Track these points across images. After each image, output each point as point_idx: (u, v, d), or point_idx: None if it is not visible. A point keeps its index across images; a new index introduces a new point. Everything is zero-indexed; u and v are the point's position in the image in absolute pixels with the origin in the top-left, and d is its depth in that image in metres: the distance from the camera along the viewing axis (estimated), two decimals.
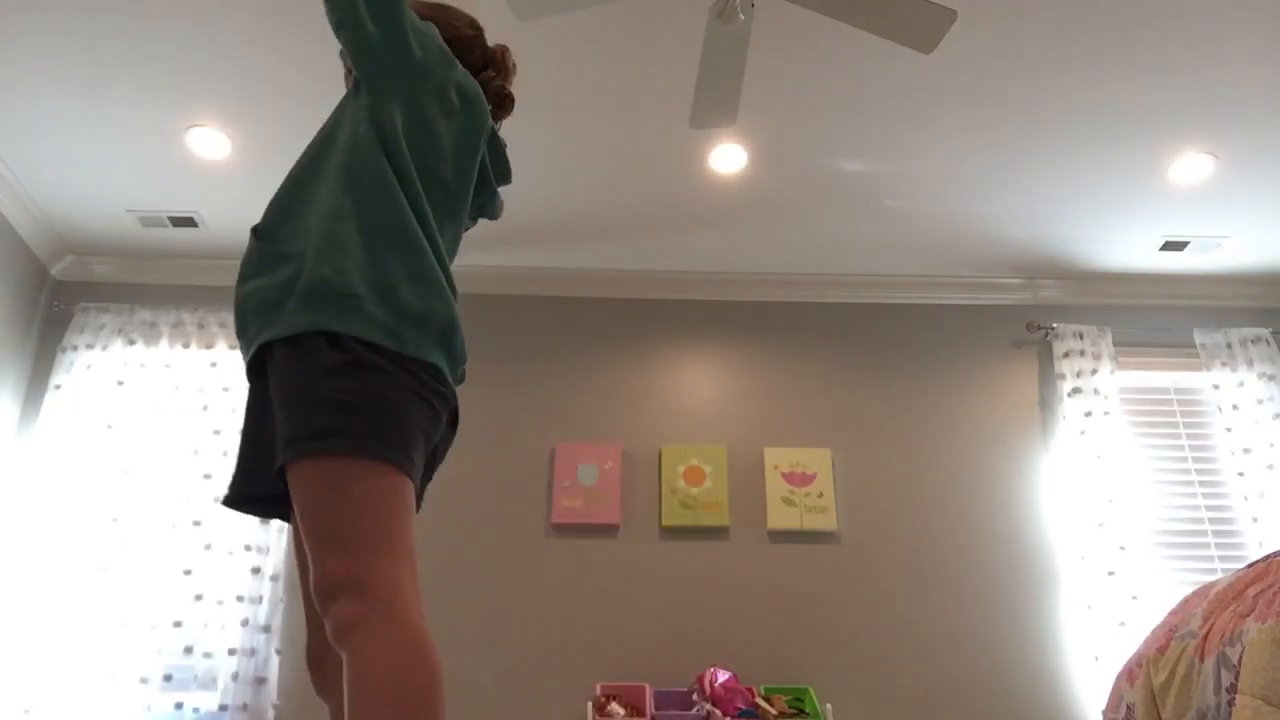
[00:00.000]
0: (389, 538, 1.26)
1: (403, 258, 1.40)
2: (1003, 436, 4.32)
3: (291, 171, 1.51)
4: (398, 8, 1.50)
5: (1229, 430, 4.21)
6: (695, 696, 3.61)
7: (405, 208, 1.43)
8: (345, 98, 1.57)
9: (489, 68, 1.76)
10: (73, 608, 3.69)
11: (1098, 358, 4.33)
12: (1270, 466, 4.09)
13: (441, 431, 1.43)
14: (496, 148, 1.73)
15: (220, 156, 3.78)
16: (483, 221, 1.83)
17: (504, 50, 1.80)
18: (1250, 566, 2.33)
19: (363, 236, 1.39)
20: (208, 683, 3.71)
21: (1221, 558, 4.09)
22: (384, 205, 1.42)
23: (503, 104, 1.78)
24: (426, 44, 1.55)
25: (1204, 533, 4.15)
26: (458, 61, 1.62)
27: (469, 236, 4.46)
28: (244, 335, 1.43)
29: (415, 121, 1.51)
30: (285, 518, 1.49)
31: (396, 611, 1.21)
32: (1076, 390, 4.26)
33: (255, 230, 1.47)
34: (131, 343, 4.20)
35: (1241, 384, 4.28)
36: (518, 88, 3.61)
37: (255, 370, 1.43)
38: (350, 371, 1.30)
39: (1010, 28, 3.18)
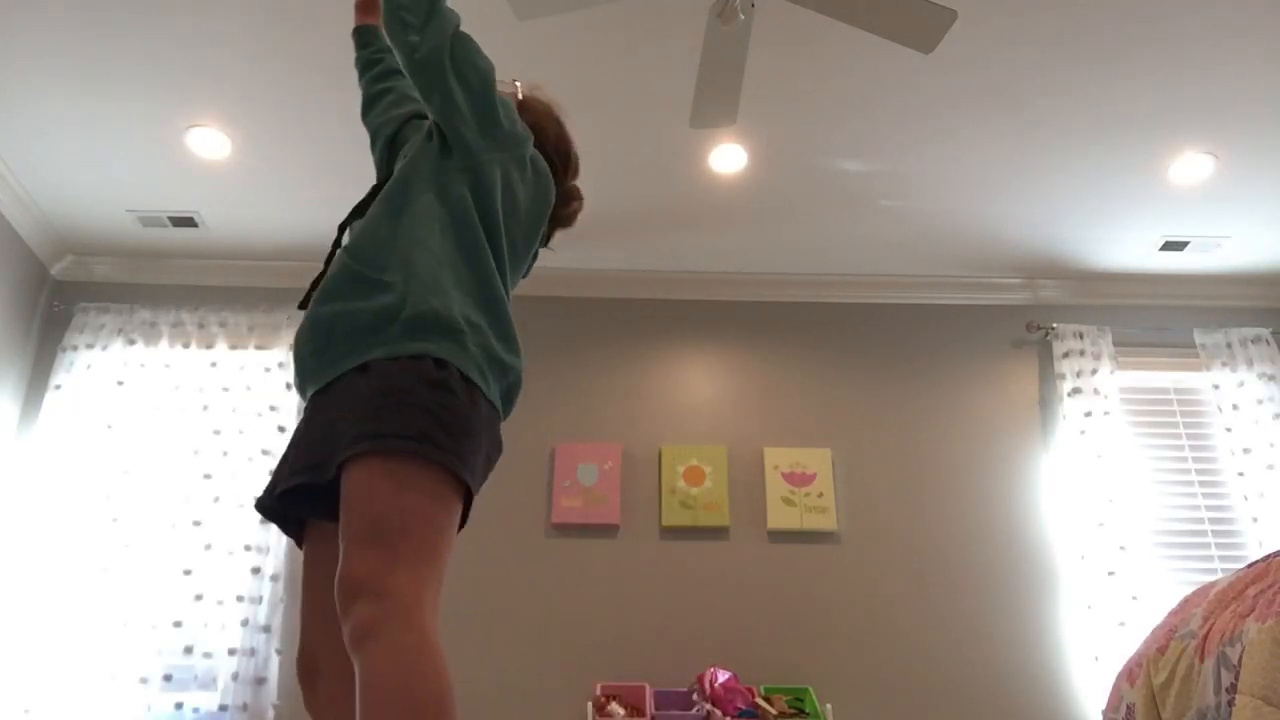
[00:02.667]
0: (431, 551, 1.29)
1: (492, 313, 1.50)
2: (1003, 436, 4.32)
3: (380, 204, 1.57)
4: (489, 80, 1.63)
5: (1229, 430, 4.21)
6: (695, 696, 3.61)
7: (493, 268, 1.54)
8: (430, 149, 1.63)
9: (563, 161, 1.87)
10: (73, 608, 3.69)
11: (1098, 358, 4.33)
12: (1270, 466, 4.09)
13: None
14: (550, 220, 1.83)
15: (220, 156, 3.78)
16: None
17: (571, 146, 1.91)
18: (1250, 566, 2.33)
19: (459, 286, 1.48)
20: (208, 683, 3.71)
21: (1221, 558, 4.09)
22: (478, 262, 1.52)
23: (568, 197, 1.88)
24: (511, 115, 1.67)
25: (1204, 533, 4.14)
26: (533, 136, 1.74)
27: None
28: (326, 352, 1.44)
29: (503, 187, 1.61)
30: (300, 541, 1.53)
31: (413, 620, 1.21)
32: (1076, 390, 4.26)
33: (349, 252, 1.51)
34: (131, 343, 4.20)
35: (1241, 384, 4.28)
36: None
37: (325, 386, 1.45)
38: (451, 393, 1.37)
39: (1010, 28, 3.18)
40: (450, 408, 1.35)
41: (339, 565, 1.26)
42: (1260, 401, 4.22)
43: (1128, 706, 2.45)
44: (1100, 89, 3.43)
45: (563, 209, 1.84)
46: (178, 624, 3.74)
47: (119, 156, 3.79)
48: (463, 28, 1.71)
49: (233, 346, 4.23)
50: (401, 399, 1.33)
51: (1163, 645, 2.38)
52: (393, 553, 1.24)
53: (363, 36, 2.11)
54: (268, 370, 4.15)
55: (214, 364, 4.19)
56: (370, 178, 1.92)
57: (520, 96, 1.87)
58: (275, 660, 3.74)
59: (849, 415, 4.34)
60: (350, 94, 3.46)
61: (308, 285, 1.59)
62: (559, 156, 1.84)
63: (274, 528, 3.87)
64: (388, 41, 1.69)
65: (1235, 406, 4.24)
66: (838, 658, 3.90)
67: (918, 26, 2.65)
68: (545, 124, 1.84)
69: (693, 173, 3.89)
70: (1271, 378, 4.28)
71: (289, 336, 4.22)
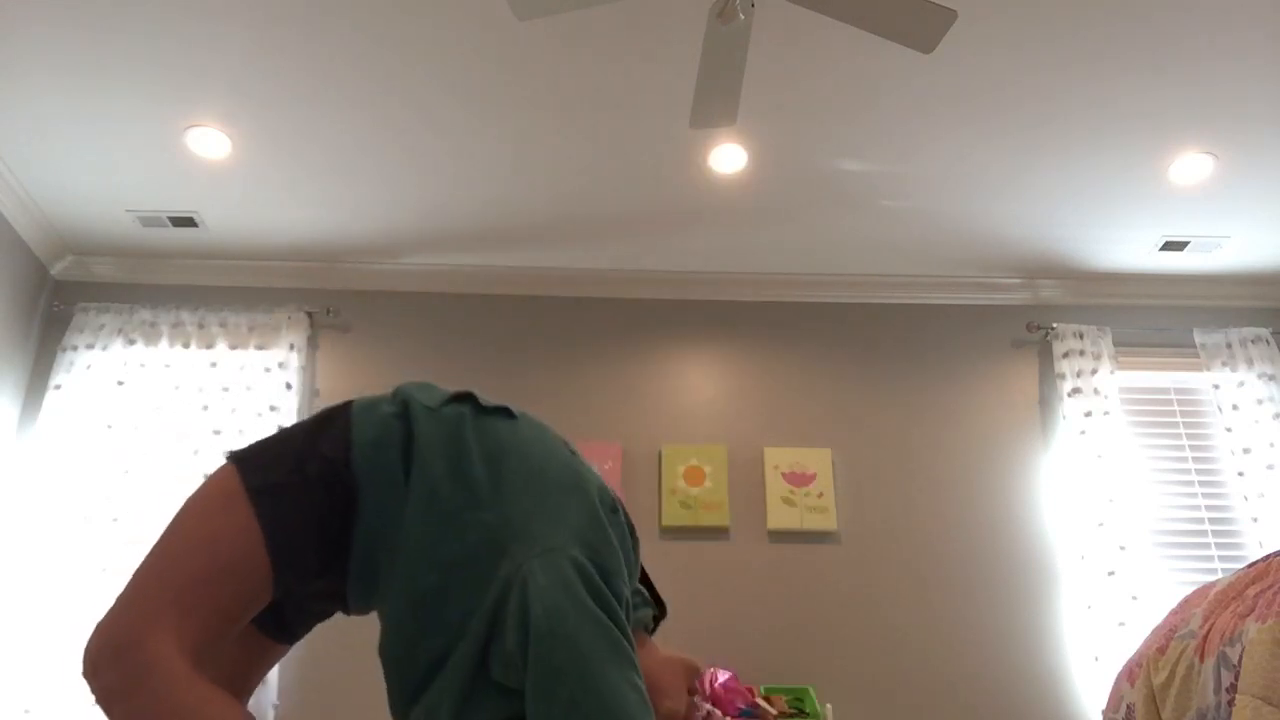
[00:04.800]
0: None
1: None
2: (1003, 436, 4.32)
3: None
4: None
5: (1229, 430, 4.21)
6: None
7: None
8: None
9: None
10: (73, 608, 3.69)
11: (1098, 358, 4.33)
12: (1270, 466, 4.09)
13: None
14: None
15: (220, 156, 3.78)
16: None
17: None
18: (1250, 566, 2.33)
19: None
20: None
21: (1221, 558, 4.09)
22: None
23: None
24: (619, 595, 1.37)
25: (1204, 533, 4.15)
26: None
27: (467, 236, 4.48)
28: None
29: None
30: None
31: None
32: (1076, 390, 4.26)
33: None
34: (131, 343, 4.20)
35: (1241, 384, 4.28)
36: (519, 87, 3.62)
37: None
38: None
39: (1010, 28, 3.18)
40: None
41: None
42: (1260, 401, 4.23)
43: (1128, 706, 2.45)
44: (1100, 89, 3.43)
45: None
46: None
47: (119, 156, 3.79)
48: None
49: (233, 346, 4.23)
50: None
51: (1163, 645, 2.38)
52: None
53: None
54: (268, 370, 4.15)
55: (214, 364, 4.19)
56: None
57: None
58: None
59: (849, 415, 4.34)
60: (350, 94, 3.48)
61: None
62: None
63: None
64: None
65: (1235, 406, 4.24)
66: (838, 658, 3.90)
67: (918, 26, 2.65)
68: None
69: (693, 173, 3.89)
70: (1271, 378, 4.28)
71: (289, 336, 4.22)
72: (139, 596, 1.26)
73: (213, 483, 1.35)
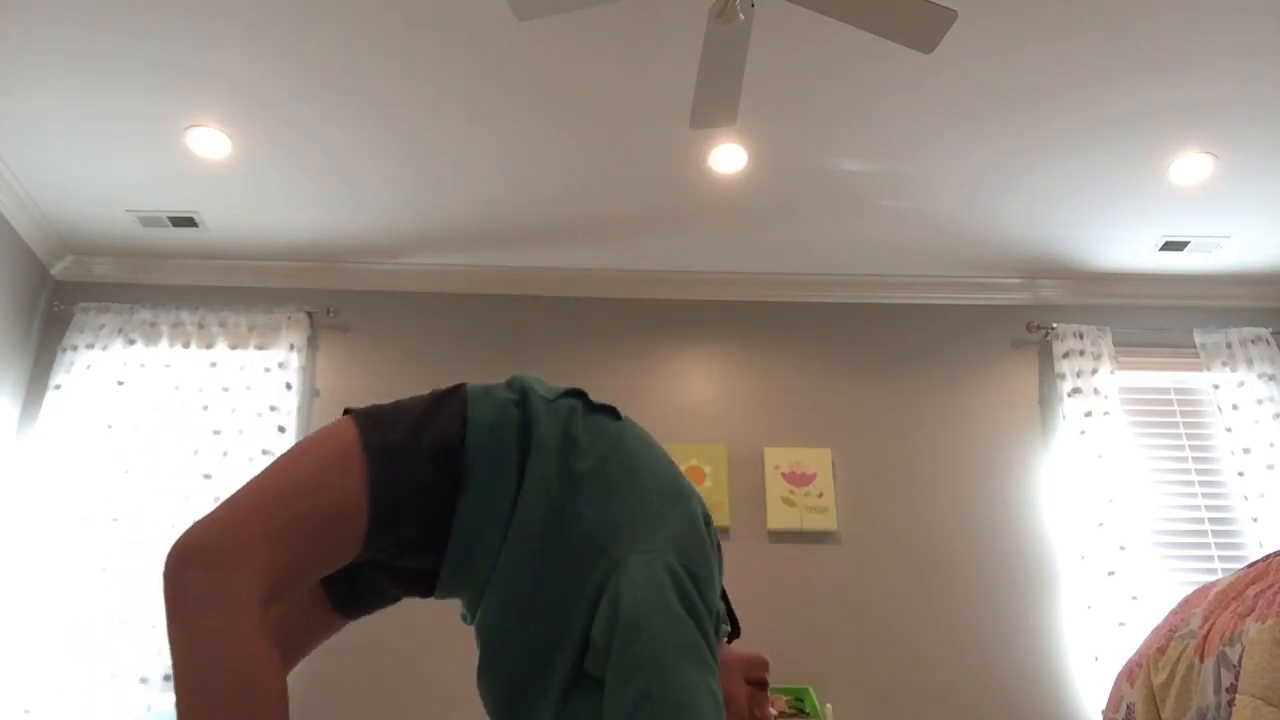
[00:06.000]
0: None
1: None
2: (1003, 436, 4.32)
3: None
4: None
5: (1229, 430, 4.21)
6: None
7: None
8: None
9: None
10: (73, 608, 3.69)
11: (1098, 358, 4.33)
12: (1270, 466, 4.09)
13: None
14: None
15: (220, 156, 3.78)
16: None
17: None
18: (1250, 566, 2.33)
19: None
20: None
21: (1221, 558, 4.09)
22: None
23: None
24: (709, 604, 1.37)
25: (1204, 533, 4.14)
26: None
27: (467, 236, 4.48)
28: None
29: None
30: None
31: None
32: (1076, 390, 4.26)
33: None
34: (131, 343, 4.20)
35: (1241, 384, 4.28)
36: (519, 87, 3.62)
37: None
38: None
39: (1010, 28, 3.18)
40: None
41: None
42: (1260, 401, 4.23)
43: (1128, 706, 2.45)
44: (1100, 89, 3.43)
45: None
46: None
47: (119, 156, 3.79)
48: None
49: (233, 346, 4.24)
50: None
51: (1163, 645, 2.38)
52: None
53: None
54: (268, 370, 4.15)
55: (214, 364, 4.19)
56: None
57: None
58: None
59: (849, 415, 4.34)
60: (350, 94, 3.47)
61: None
62: None
63: None
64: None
65: (1235, 406, 4.24)
66: (838, 658, 3.90)
67: (918, 26, 2.65)
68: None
69: (693, 173, 3.89)
70: (1271, 378, 4.28)
71: (289, 336, 4.23)
72: (241, 518, 1.24)
73: (330, 431, 1.35)
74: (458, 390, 1.43)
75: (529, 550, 1.34)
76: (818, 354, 4.47)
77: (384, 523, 1.31)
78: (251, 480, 1.30)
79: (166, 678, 3.67)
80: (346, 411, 1.40)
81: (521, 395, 1.44)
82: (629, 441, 1.46)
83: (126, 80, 3.40)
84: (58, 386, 4.06)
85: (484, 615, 1.37)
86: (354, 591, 1.51)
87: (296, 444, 1.35)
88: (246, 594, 1.19)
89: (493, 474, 1.36)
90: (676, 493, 1.43)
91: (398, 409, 1.39)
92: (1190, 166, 3.79)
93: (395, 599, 1.55)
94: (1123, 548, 3.94)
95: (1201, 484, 4.24)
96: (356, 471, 1.30)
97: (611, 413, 1.50)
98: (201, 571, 1.18)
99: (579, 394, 1.50)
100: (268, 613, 1.23)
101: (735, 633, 1.60)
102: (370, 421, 1.35)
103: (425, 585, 1.46)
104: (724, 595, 1.60)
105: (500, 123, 3.62)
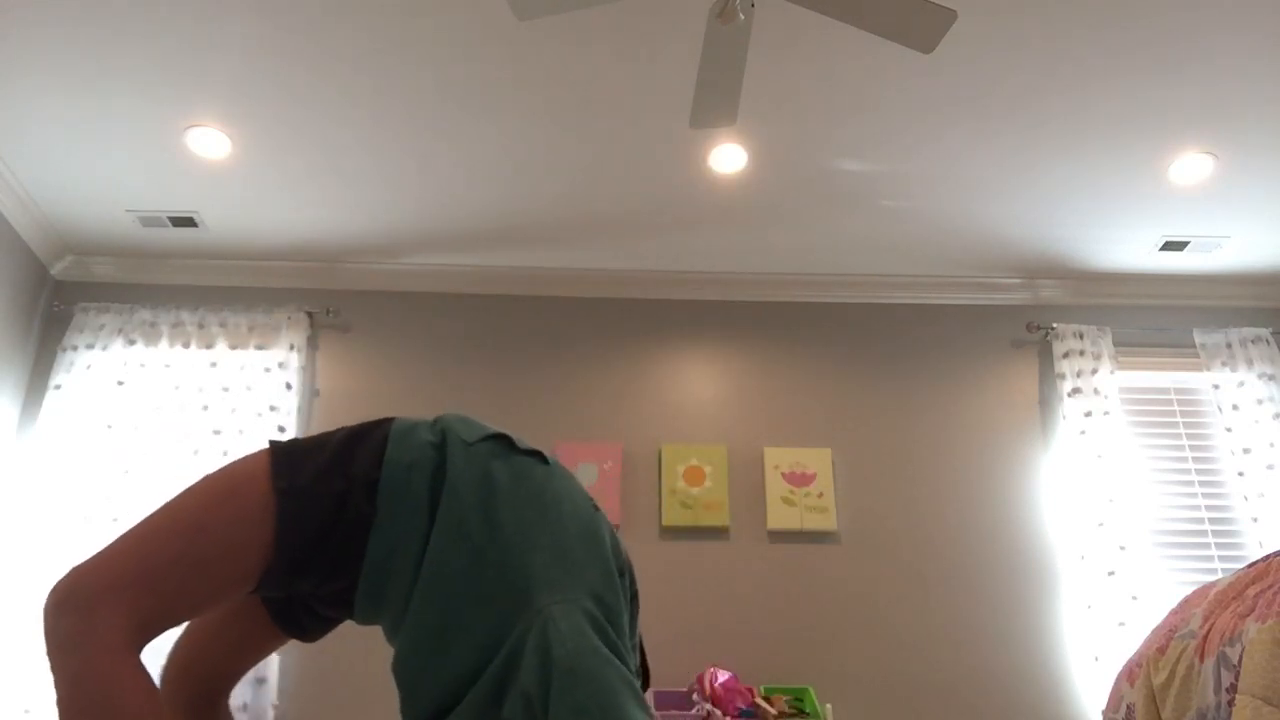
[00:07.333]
0: None
1: None
2: (1003, 436, 4.32)
3: None
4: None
5: (1229, 430, 4.21)
6: (695, 696, 3.60)
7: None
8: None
9: None
10: None
11: (1098, 358, 4.33)
12: (1270, 466, 4.09)
13: None
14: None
15: (220, 156, 3.78)
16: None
17: None
18: (1250, 566, 2.33)
19: None
20: None
21: (1221, 558, 4.09)
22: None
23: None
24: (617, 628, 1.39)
25: (1204, 533, 4.15)
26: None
27: (467, 236, 4.48)
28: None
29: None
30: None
31: None
32: (1076, 390, 4.26)
33: None
34: (131, 343, 4.20)
35: (1241, 384, 4.28)
36: (519, 87, 3.62)
37: None
38: None
39: (1010, 28, 3.18)
40: None
41: None
42: (1260, 401, 4.23)
43: (1128, 706, 2.45)
44: (1100, 89, 3.43)
45: None
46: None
47: (119, 156, 3.79)
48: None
49: (233, 346, 4.24)
50: None
51: (1163, 645, 2.38)
52: None
53: None
54: (268, 370, 4.15)
55: (214, 364, 4.19)
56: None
57: None
58: (275, 660, 3.74)
59: (849, 415, 4.34)
60: (350, 94, 3.47)
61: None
62: None
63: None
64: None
65: (1235, 406, 4.24)
66: (838, 658, 3.90)
67: (918, 26, 2.65)
68: None
69: (693, 173, 3.89)
70: (1271, 378, 4.28)
71: (289, 336, 4.23)
72: (113, 560, 1.29)
73: (239, 467, 1.38)
74: (381, 427, 1.46)
75: (447, 590, 1.36)
76: (818, 354, 4.47)
77: (293, 557, 1.35)
78: (144, 518, 1.34)
79: None
80: (270, 444, 1.43)
81: (441, 438, 1.47)
82: (554, 487, 1.48)
83: (126, 80, 3.40)
84: (58, 386, 4.06)
85: (399, 651, 1.40)
86: (290, 614, 1.55)
87: (204, 476, 1.39)
88: (112, 634, 1.24)
89: (404, 511, 1.39)
90: (595, 536, 1.45)
91: (318, 443, 1.43)
92: (1190, 166, 3.79)
93: (331, 620, 1.58)
94: (1123, 548, 3.94)
95: (1201, 484, 4.24)
96: (257, 510, 1.34)
97: (538, 457, 1.52)
98: (71, 614, 1.24)
99: (503, 437, 1.52)
100: (142, 647, 1.28)
101: (645, 684, 1.61)
102: (284, 459, 1.39)
103: (348, 608, 1.49)
104: (640, 645, 1.62)
105: (500, 123, 3.62)
